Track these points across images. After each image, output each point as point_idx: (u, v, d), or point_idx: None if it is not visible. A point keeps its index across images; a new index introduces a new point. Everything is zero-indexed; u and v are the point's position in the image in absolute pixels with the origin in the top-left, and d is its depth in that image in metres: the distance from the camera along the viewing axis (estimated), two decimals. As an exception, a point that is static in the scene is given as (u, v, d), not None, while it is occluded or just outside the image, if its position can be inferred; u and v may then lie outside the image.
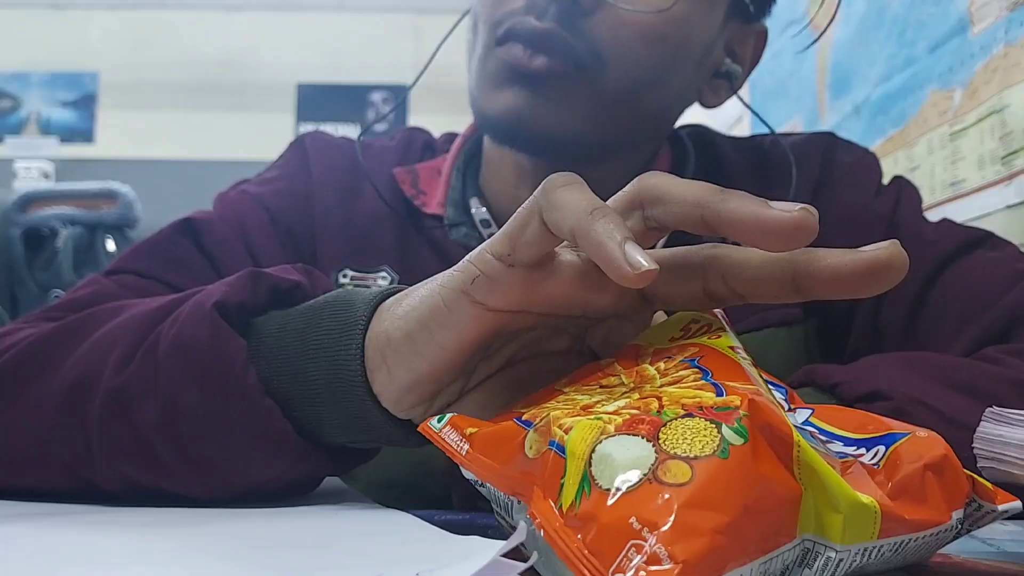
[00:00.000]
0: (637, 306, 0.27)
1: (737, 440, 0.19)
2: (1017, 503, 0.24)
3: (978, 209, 0.70)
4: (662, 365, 0.24)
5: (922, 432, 0.24)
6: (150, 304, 0.34)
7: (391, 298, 0.29)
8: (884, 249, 0.23)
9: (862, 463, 0.22)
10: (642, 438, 0.19)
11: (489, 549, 0.19)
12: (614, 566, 0.17)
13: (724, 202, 0.23)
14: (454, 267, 0.27)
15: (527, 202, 0.25)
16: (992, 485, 0.24)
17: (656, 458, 0.19)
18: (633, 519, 0.18)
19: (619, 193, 0.26)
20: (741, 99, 0.53)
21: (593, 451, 0.19)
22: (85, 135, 2.61)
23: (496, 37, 0.44)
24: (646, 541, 0.17)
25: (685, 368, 0.23)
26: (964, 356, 0.42)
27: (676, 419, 0.20)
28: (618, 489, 0.18)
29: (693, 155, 0.52)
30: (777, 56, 1.16)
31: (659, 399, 0.21)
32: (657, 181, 0.25)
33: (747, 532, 0.18)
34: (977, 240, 0.47)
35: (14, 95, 2.61)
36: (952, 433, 0.25)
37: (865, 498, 0.20)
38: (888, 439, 0.24)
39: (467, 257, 0.26)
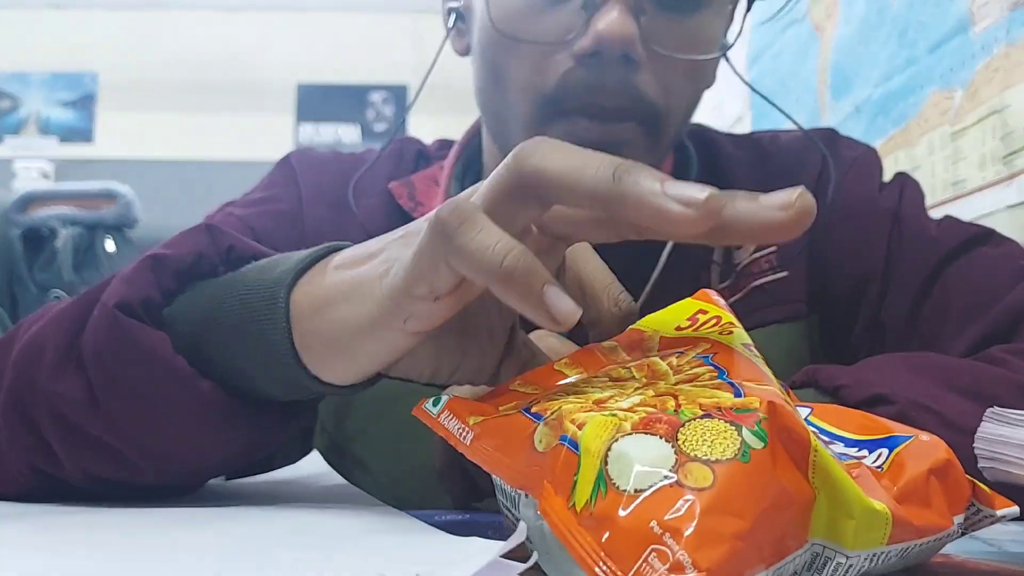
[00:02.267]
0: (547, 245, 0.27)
1: (757, 444, 0.19)
2: (1015, 508, 0.24)
3: (979, 209, 0.70)
4: (674, 360, 0.23)
5: (924, 436, 0.24)
6: (65, 303, 0.34)
7: (317, 289, 0.28)
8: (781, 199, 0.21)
9: (866, 466, 0.22)
10: (660, 438, 0.19)
11: (489, 550, 0.19)
12: (633, 570, 0.17)
13: (732, 205, 0.22)
14: (379, 299, 0.26)
15: (427, 242, 0.24)
16: (990, 489, 0.24)
17: (676, 460, 0.18)
18: (654, 523, 0.17)
19: (493, 178, 0.24)
20: (734, 68, 0.53)
21: (609, 449, 0.19)
22: (85, 135, 2.61)
23: (554, 108, 0.43)
24: (668, 547, 0.17)
25: (699, 365, 0.23)
26: (967, 353, 0.42)
27: (694, 420, 0.20)
28: (637, 491, 0.18)
29: (695, 155, 0.52)
30: (778, 56, 1.16)
31: (675, 397, 0.21)
32: (544, 163, 0.23)
33: (764, 537, 0.18)
34: (980, 237, 0.47)
35: (14, 95, 2.61)
36: (955, 437, 0.25)
37: (878, 504, 0.20)
38: (891, 442, 0.24)
39: (387, 293, 0.25)
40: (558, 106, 0.43)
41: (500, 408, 0.23)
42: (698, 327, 0.25)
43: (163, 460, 0.32)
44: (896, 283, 0.47)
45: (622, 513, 0.18)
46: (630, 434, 0.19)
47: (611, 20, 0.41)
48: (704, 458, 0.18)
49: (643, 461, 0.19)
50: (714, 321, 0.25)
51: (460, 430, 0.23)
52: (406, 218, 0.50)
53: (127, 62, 2.58)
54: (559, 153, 0.23)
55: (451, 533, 0.25)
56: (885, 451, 0.23)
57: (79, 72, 2.61)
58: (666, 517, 0.17)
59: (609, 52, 0.41)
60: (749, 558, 0.17)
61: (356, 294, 0.27)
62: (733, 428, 0.19)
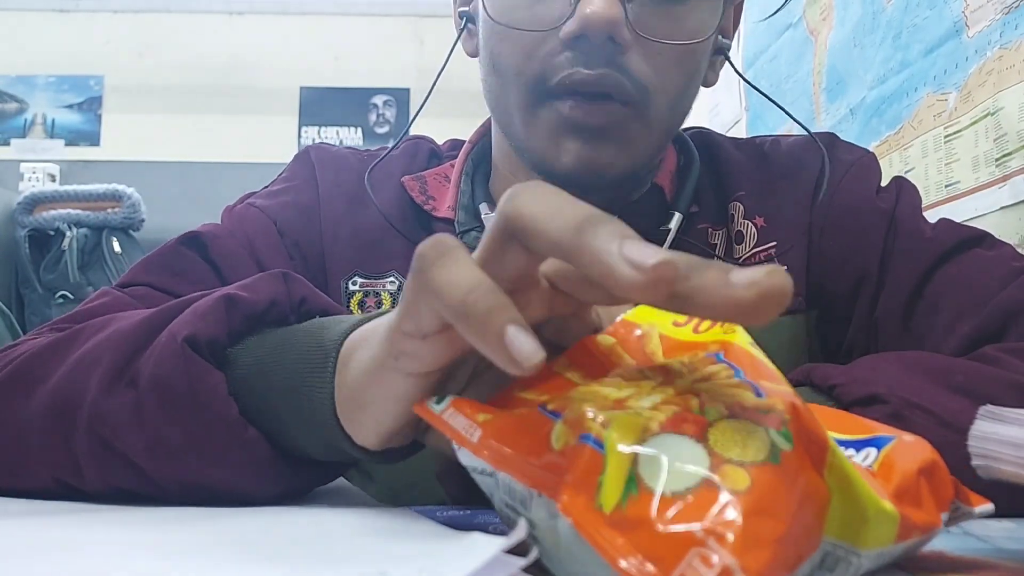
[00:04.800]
0: (575, 303, 0.25)
1: (785, 446, 0.18)
2: (989, 506, 0.24)
3: (973, 210, 0.71)
4: (685, 359, 0.23)
5: (907, 436, 0.24)
6: (132, 319, 0.34)
7: (351, 340, 0.28)
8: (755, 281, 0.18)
9: (856, 465, 0.22)
10: (691, 438, 0.19)
11: (491, 546, 0.19)
12: (675, 574, 0.16)
13: (691, 278, 0.19)
14: (381, 337, 0.25)
15: (409, 276, 0.23)
16: (966, 487, 0.24)
17: (711, 461, 0.18)
18: (696, 527, 0.17)
19: (489, 228, 0.23)
20: (736, 69, 0.54)
21: (639, 450, 0.18)
22: (91, 137, 2.62)
23: (545, 91, 0.44)
24: (713, 551, 0.16)
25: (712, 363, 0.22)
26: (959, 351, 0.42)
27: (721, 420, 0.19)
28: (674, 493, 0.17)
29: (698, 157, 0.52)
30: (773, 59, 1.17)
31: (697, 396, 0.20)
32: (523, 207, 0.21)
33: (795, 540, 0.18)
34: (975, 239, 0.47)
35: (20, 98, 2.63)
36: (948, 436, 0.25)
37: (888, 505, 0.20)
38: (877, 442, 0.24)
39: (387, 327, 0.25)
40: (547, 88, 0.44)
41: (508, 410, 0.23)
42: (697, 323, 0.24)
43: (192, 491, 0.32)
44: (890, 282, 0.47)
45: (659, 516, 0.17)
46: (658, 434, 0.19)
47: (596, 4, 0.42)
48: (738, 460, 0.18)
49: (677, 463, 0.18)
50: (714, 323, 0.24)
51: (467, 427, 0.22)
52: (419, 211, 0.51)
53: (133, 66, 2.59)
54: (539, 198, 0.22)
55: (453, 529, 0.25)
56: (873, 451, 0.23)
57: (85, 75, 2.62)
58: (708, 521, 0.17)
59: (594, 35, 0.42)
60: (788, 560, 0.17)
61: (370, 339, 0.27)
62: (761, 430, 0.19)
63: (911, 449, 0.23)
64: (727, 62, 0.52)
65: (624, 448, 0.19)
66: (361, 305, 0.50)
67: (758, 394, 0.20)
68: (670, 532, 0.17)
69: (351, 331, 0.29)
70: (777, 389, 0.21)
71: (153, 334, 0.32)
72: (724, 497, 0.17)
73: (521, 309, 0.22)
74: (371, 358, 0.26)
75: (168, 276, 0.47)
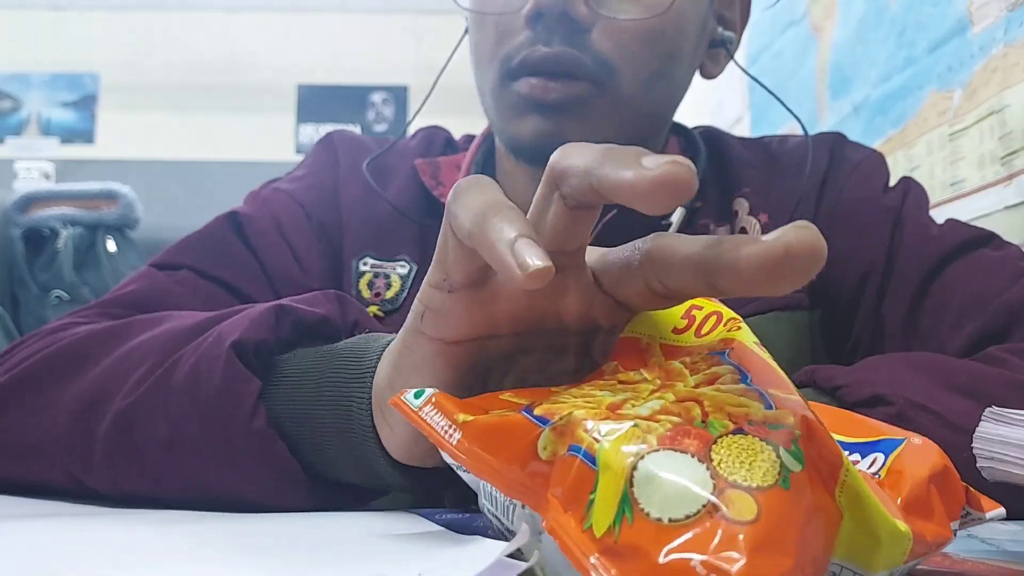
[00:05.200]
0: (616, 311, 0.24)
1: (796, 467, 0.17)
2: (1001, 510, 0.24)
3: (978, 209, 0.70)
4: (688, 359, 0.21)
5: (916, 439, 0.23)
6: (183, 322, 0.35)
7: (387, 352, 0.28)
8: (780, 238, 0.18)
9: (861, 472, 0.21)
10: (692, 456, 0.17)
11: (491, 550, 0.18)
12: None
13: (600, 167, 0.20)
14: (413, 305, 0.26)
15: (444, 223, 0.23)
16: (976, 490, 0.23)
17: (714, 485, 0.17)
18: (696, 563, 0.15)
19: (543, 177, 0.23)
20: (738, 64, 0.54)
21: (635, 468, 0.17)
22: (86, 136, 2.61)
23: (508, 71, 0.45)
24: None
25: (716, 363, 0.21)
26: (964, 351, 0.42)
27: (726, 435, 0.18)
28: (672, 520, 0.16)
29: (704, 152, 0.52)
30: (777, 57, 1.16)
31: (700, 404, 0.19)
32: (561, 155, 0.22)
33: (802, 570, 0.16)
34: (981, 239, 0.47)
35: (15, 96, 2.61)
36: (954, 437, 0.25)
37: (902, 526, 0.19)
38: (884, 446, 0.23)
39: (421, 289, 0.25)
40: (511, 69, 0.45)
41: (492, 412, 0.21)
42: (698, 326, 0.23)
43: (203, 493, 0.32)
44: (896, 281, 0.47)
45: (655, 545, 0.16)
46: (657, 450, 0.17)
47: None
48: (745, 484, 0.17)
49: (676, 485, 0.17)
50: (715, 318, 0.23)
51: (445, 427, 0.21)
52: (427, 195, 0.52)
53: (128, 63, 2.58)
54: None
55: (453, 532, 0.25)
56: (880, 456, 0.22)
57: (80, 73, 2.61)
58: (710, 555, 0.15)
59: (549, 12, 0.43)
60: None
61: (400, 334, 0.27)
62: (770, 448, 0.17)
63: (920, 454, 0.22)
64: (731, 59, 0.52)
65: (617, 465, 0.17)
66: (370, 285, 0.50)
67: (767, 405, 0.19)
68: (668, 565, 0.16)
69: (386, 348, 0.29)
70: (787, 399, 0.19)
71: (198, 336, 0.33)
72: (728, 528, 0.16)
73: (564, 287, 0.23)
74: (399, 341, 0.26)
75: (209, 260, 0.48)
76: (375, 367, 0.28)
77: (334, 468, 0.30)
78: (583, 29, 0.44)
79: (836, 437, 0.23)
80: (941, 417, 0.34)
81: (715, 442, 0.18)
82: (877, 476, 0.22)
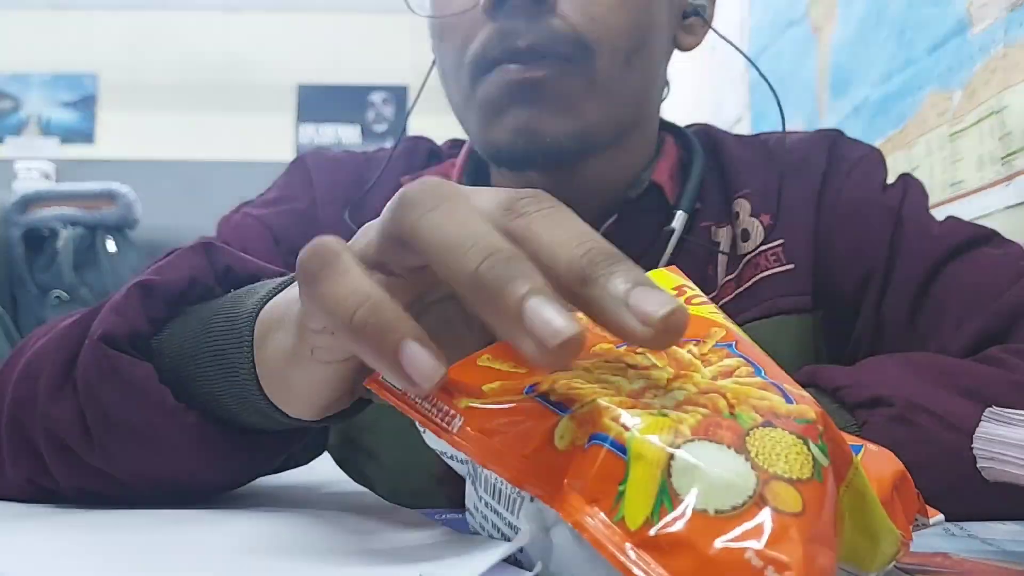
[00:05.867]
0: None
1: (824, 461, 0.17)
2: (940, 517, 0.24)
3: (978, 210, 0.70)
4: (694, 348, 0.21)
5: (872, 446, 0.23)
6: (68, 320, 0.34)
7: (267, 314, 0.27)
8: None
9: None
10: (729, 448, 0.17)
11: (493, 551, 0.18)
12: None
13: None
14: (294, 326, 0.24)
15: (300, 289, 0.22)
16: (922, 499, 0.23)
17: (757, 476, 0.16)
18: (751, 554, 0.15)
19: (380, 222, 0.22)
20: (717, 31, 0.52)
21: (672, 458, 0.16)
22: (85, 136, 2.61)
23: (479, 69, 0.43)
24: None
25: (727, 355, 0.20)
26: (966, 350, 0.42)
27: (756, 427, 0.17)
28: (718, 512, 0.16)
29: (701, 152, 0.52)
30: (777, 57, 1.16)
31: (723, 396, 0.18)
32: (413, 216, 0.20)
33: (836, 563, 0.16)
34: (982, 237, 0.47)
35: (14, 96, 2.61)
36: (954, 438, 0.24)
37: (895, 527, 0.19)
38: None
39: (293, 325, 0.24)
40: (482, 61, 0.43)
41: (484, 387, 0.20)
42: (688, 300, 0.22)
43: (157, 485, 0.32)
44: (897, 280, 0.47)
45: (703, 537, 0.15)
46: (692, 440, 0.17)
47: None
48: (787, 477, 0.16)
49: (720, 476, 0.16)
50: (700, 300, 0.22)
51: (443, 413, 0.19)
52: None
53: (128, 63, 2.58)
54: (437, 217, 0.20)
55: (454, 532, 0.25)
56: None
57: (80, 73, 2.61)
58: (764, 547, 0.15)
59: None
60: None
61: (284, 321, 0.26)
62: (801, 442, 0.17)
63: (879, 460, 0.22)
64: (708, 27, 0.50)
65: (652, 455, 0.17)
66: None
67: (787, 399, 0.18)
68: (719, 557, 0.15)
69: (262, 305, 0.28)
70: (802, 394, 0.19)
71: (83, 333, 0.32)
72: (779, 519, 0.15)
73: (429, 286, 0.21)
74: (287, 347, 0.25)
75: None
76: (248, 338, 0.27)
77: (253, 425, 0.30)
78: (546, 8, 0.42)
79: None
80: (942, 418, 0.34)
81: (747, 434, 0.17)
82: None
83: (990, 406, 0.27)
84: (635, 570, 0.15)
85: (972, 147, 0.72)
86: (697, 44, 0.51)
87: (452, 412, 0.19)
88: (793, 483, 0.16)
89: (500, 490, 0.20)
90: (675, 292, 0.23)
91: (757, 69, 0.55)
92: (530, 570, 0.19)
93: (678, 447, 0.17)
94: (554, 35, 0.42)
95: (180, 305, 0.31)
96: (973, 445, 0.26)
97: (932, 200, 0.76)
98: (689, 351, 0.21)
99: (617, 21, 0.43)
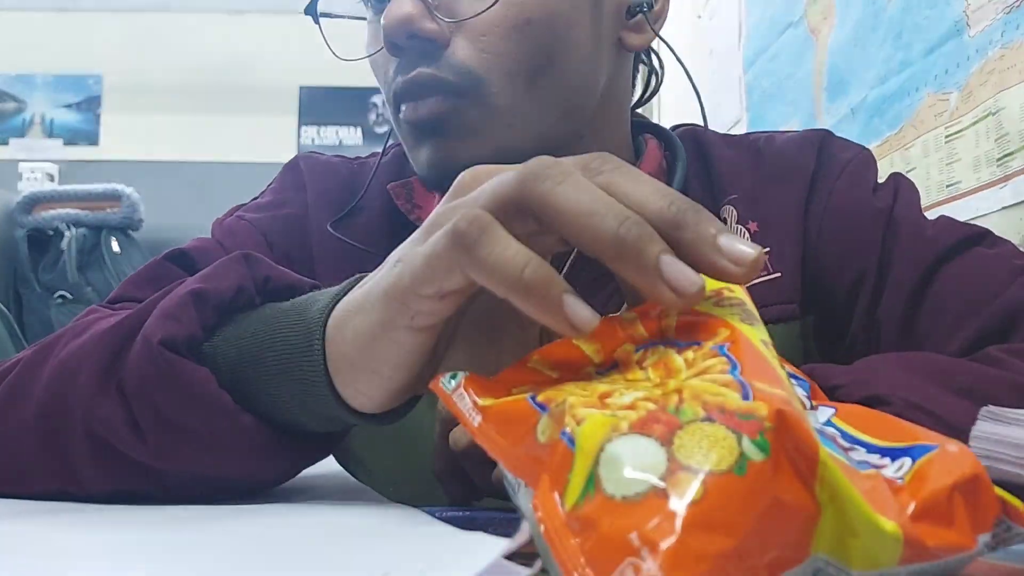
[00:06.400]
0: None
1: (757, 456, 0.18)
2: None
3: (974, 211, 0.71)
4: (690, 355, 0.22)
5: (952, 446, 0.23)
6: (107, 322, 0.34)
7: (340, 310, 0.29)
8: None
9: (885, 476, 0.21)
10: (655, 440, 0.18)
11: (493, 547, 0.19)
12: None
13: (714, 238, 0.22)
14: (385, 299, 0.26)
15: (444, 250, 0.24)
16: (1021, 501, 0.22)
17: (667, 467, 0.18)
18: (634, 534, 0.17)
19: (499, 188, 0.24)
20: (662, 38, 0.51)
21: (602, 450, 0.18)
22: (89, 137, 2.62)
23: (394, 105, 0.45)
24: (644, 561, 0.16)
25: (713, 356, 0.21)
26: (963, 351, 0.41)
27: (694, 422, 0.18)
28: (624, 497, 0.17)
29: (684, 156, 0.51)
30: (774, 59, 1.17)
31: (679, 393, 0.20)
32: (544, 188, 0.23)
33: (755, 554, 0.17)
34: (976, 237, 0.46)
35: (19, 97, 2.62)
36: (950, 437, 0.25)
37: (888, 524, 0.19)
38: (915, 451, 0.22)
39: (394, 293, 0.26)
40: (392, 98, 0.45)
41: (514, 390, 0.23)
42: (721, 302, 0.23)
43: (202, 484, 0.32)
44: (891, 282, 0.46)
45: (604, 519, 0.17)
46: (625, 434, 0.19)
47: (388, 10, 0.42)
48: (696, 467, 0.17)
49: (633, 465, 0.18)
50: (739, 304, 0.23)
51: (470, 410, 0.22)
52: (402, 219, 0.50)
53: (131, 65, 2.59)
54: (569, 188, 0.23)
55: (455, 528, 0.25)
56: (908, 461, 0.22)
57: (84, 74, 2.62)
58: (645, 529, 0.17)
59: (395, 36, 0.42)
60: (734, 574, 0.17)
61: (367, 302, 0.27)
62: (733, 436, 0.18)
63: (951, 461, 0.22)
64: (648, 22, 0.48)
65: (589, 447, 0.19)
66: None
67: (745, 396, 0.19)
68: (610, 537, 0.17)
69: (333, 304, 0.29)
70: (768, 392, 0.19)
71: (130, 336, 0.32)
72: (668, 506, 0.17)
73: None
74: (377, 322, 0.27)
75: (154, 291, 0.47)
76: (319, 335, 0.29)
77: (303, 427, 0.31)
78: (441, 45, 0.43)
79: (865, 439, 0.23)
80: (938, 417, 0.33)
81: (681, 428, 0.18)
82: (900, 481, 0.21)
83: (987, 405, 0.27)
84: (556, 544, 0.17)
85: (969, 149, 0.72)
86: (647, 43, 0.49)
87: (475, 409, 0.22)
88: (701, 474, 0.17)
89: (507, 477, 0.21)
90: (712, 294, 0.24)
91: (686, 71, 0.53)
92: (531, 567, 0.19)
93: (610, 440, 0.18)
94: (440, 75, 0.43)
95: (229, 313, 0.32)
96: (970, 444, 0.26)
97: (928, 201, 0.76)
98: (685, 357, 0.22)
99: (511, 49, 0.42)
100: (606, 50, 0.47)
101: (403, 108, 0.44)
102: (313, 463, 0.35)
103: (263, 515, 0.29)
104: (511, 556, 0.19)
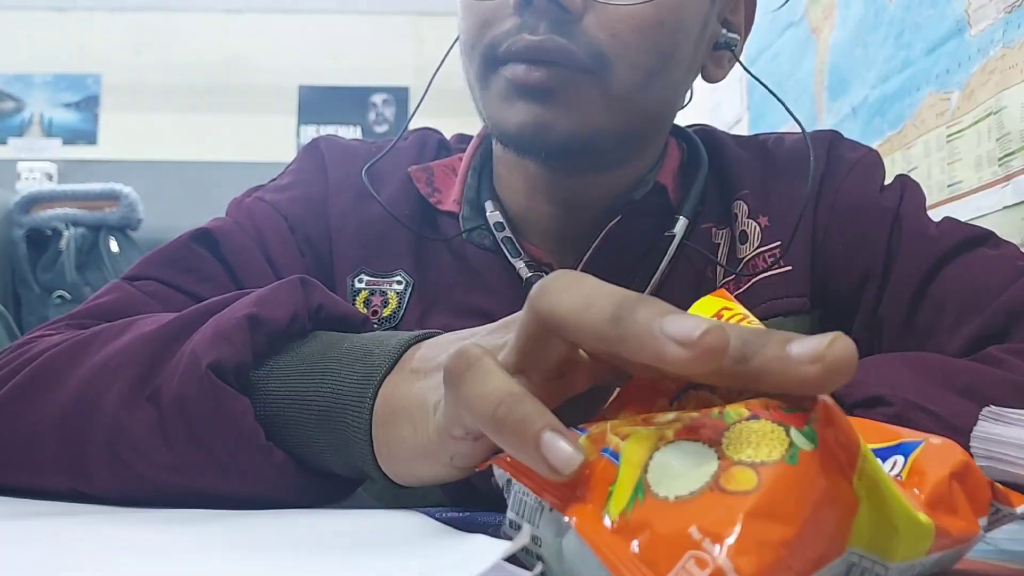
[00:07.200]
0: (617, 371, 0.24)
1: (807, 446, 0.18)
2: None
3: (975, 210, 0.70)
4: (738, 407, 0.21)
5: (935, 439, 0.23)
6: (150, 326, 0.34)
7: (393, 394, 0.28)
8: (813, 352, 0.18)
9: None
10: (703, 443, 0.18)
11: (494, 549, 0.19)
12: None
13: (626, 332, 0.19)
14: (431, 432, 0.26)
15: (446, 395, 0.23)
16: (1004, 487, 0.23)
17: (719, 465, 0.18)
18: (693, 528, 0.17)
19: (520, 321, 0.23)
20: (744, 66, 0.53)
21: (651, 458, 0.18)
22: (88, 137, 2.62)
23: (493, 59, 0.44)
24: (709, 552, 0.16)
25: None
26: (964, 351, 0.42)
27: (740, 422, 0.18)
28: (677, 497, 0.17)
29: (706, 159, 0.52)
30: (775, 58, 1.16)
31: (721, 408, 0.20)
32: (555, 304, 0.22)
33: (808, 545, 0.17)
34: (979, 238, 0.47)
35: (17, 97, 2.62)
36: (952, 437, 0.24)
37: (923, 517, 0.19)
38: (903, 448, 0.23)
39: (435, 428, 0.25)
40: (496, 56, 0.44)
41: None
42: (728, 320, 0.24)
43: (215, 501, 0.32)
44: (894, 281, 0.47)
45: (659, 519, 0.17)
46: (672, 441, 0.19)
47: None
48: (748, 461, 0.17)
49: (683, 467, 0.18)
50: (741, 319, 0.24)
51: None
52: (424, 203, 0.51)
53: (130, 64, 2.58)
54: (569, 290, 0.22)
55: (454, 530, 0.25)
56: (900, 458, 0.23)
57: (82, 74, 2.62)
58: (705, 522, 0.17)
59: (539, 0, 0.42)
60: (793, 565, 0.17)
61: (417, 416, 0.27)
62: (781, 428, 0.18)
63: (940, 453, 0.22)
64: (736, 61, 0.51)
65: (636, 458, 0.19)
66: (367, 303, 0.49)
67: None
68: (667, 534, 0.17)
69: (389, 367, 0.28)
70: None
71: (172, 345, 0.32)
72: (727, 499, 0.17)
73: (567, 388, 0.23)
74: (422, 444, 0.26)
75: (178, 272, 0.46)
76: (368, 405, 0.28)
77: (333, 470, 0.31)
78: (574, 17, 0.42)
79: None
80: (940, 417, 0.34)
81: (728, 428, 0.18)
82: (899, 478, 0.22)
83: (988, 405, 0.27)
84: (604, 550, 0.17)
85: (970, 148, 0.72)
86: (722, 77, 0.52)
87: None
88: (754, 466, 0.17)
89: (524, 502, 0.21)
90: (715, 316, 0.24)
91: (774, 94, 0.55)
92: (530, 570, 0.19)
93: (658, 449, 0.19)
94: (573, 47, 0.43)
95: (281, 341, 0.32)
96: (971, 444, 0.26)
97: (930, 201, 0.76)
98: (720, 394, 0.21)
99: (640, 42, 0.44)
100: (693, 73, 0.49)
101: (511, 67, 0.43)
102: (336, 502, 0.34)
103: (263, 516, 0.29)
104: (511, 558, 0.19)
